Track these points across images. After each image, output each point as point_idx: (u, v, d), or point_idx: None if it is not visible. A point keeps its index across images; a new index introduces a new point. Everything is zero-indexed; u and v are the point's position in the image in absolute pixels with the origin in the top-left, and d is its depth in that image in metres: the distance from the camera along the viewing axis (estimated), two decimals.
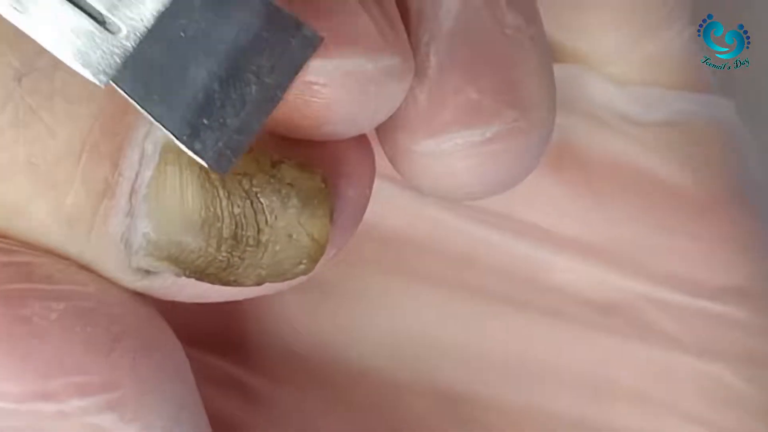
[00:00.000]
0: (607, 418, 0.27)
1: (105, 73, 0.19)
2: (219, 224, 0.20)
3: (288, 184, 0.20)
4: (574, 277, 0.27)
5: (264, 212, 0.20)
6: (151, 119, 0.19)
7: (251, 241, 0.20)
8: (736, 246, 0.28)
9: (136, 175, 0.20)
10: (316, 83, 0.20)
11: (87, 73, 0.19)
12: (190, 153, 0.19)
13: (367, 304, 0.28)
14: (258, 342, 0.28)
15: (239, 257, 0.21)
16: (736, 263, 0.28)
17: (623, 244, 0.27)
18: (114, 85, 0.19)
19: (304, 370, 0.28)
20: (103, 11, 0.19)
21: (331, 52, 0.20)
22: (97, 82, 0.19)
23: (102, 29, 0.19)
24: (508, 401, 0.27)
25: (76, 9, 0.19)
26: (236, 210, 0.20)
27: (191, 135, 0.19)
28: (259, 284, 0.21)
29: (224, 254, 0.21)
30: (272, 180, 0.20)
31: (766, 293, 0.28)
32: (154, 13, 0.19)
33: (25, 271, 0.20)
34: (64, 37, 0.19)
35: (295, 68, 0.19)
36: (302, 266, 0.21)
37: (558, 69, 0.25)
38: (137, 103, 0.19)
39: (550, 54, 0.23)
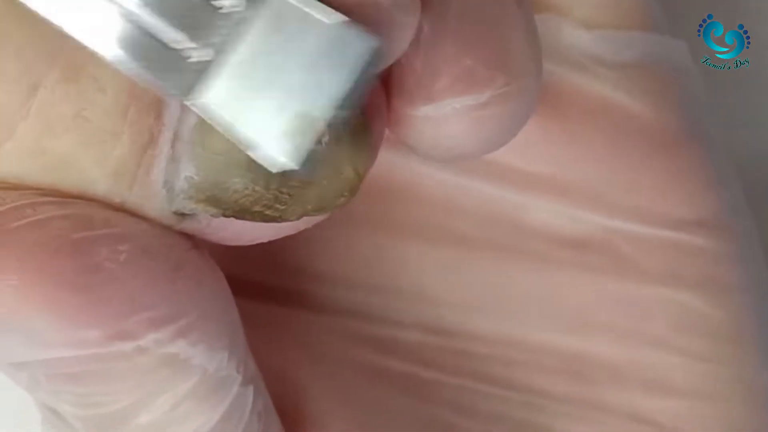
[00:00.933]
0: (584, 348, 0.29)
1: (184, 94, 0.20)
2: None
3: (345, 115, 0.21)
4: (548, 216, 0.29)
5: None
6: (239, 136, 0.20)
7: (304, 176, 0.21)
8: (697, 180, 0.29)
9: (179, 122, 0.21)
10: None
11: (168, 96, 0.20)
12: (273, 161, 0.20)
13: (357, 257, 0.29)
14: (302, 293, 0.29)
15: (288, 194, 0.22)
16: (700, 196, 0.29)
17: (595, 182, 0.29)
18: (193, 106, 0.20)
19: (333, 316, 0.29)
20: (181, 40, 0.20)
21: None
22: (186, 104, 0.20)
23: (186, 56, 0.20)
24: (492, 332, 0.29)
25: (154, 37, 0.20)
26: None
27: (274, 146, 0.20)
28: (300, 218, 0.22)
29: (272, 192, 0.22)
30: None
31: (728, 223, 0.29)
32: (235, 38, 0.20)
33: (85, 219, 0.21)
34: (142, 61, 0.20)
35: (364, 77, 0.20)
36: (343, 198, 0.22)
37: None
38: (224, 122, 0.20)
39: (533, 15, 0.25)
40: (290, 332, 0.29)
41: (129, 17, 0.20)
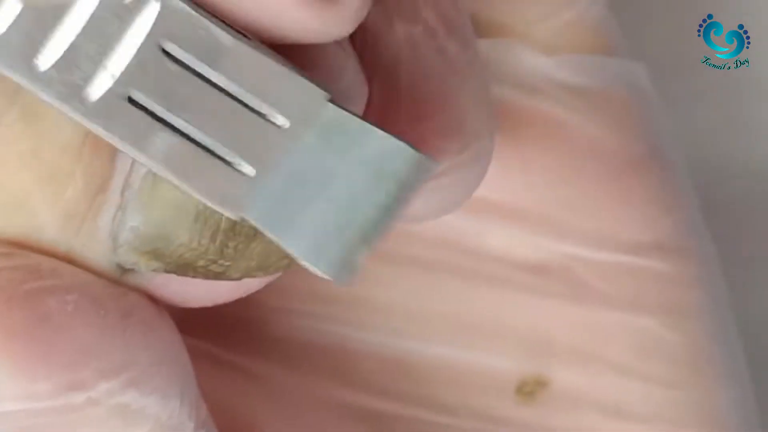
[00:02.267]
0: (542, 373, 0.29)
1: (236, 207, 0.20)
2: (218, 215, 0.21)
3: None
4: (505, 242, 0.29)
5: None
6: (283, 247, 0.20)
7: (249, 231, 0.21)
8: (654, 203, 0.29)
9: (131, 169, 0.21)
10: None
11: (220, 208, 0.20)
12: (316, 272, 0.20)
13: (312, 285, 0.29)
14: (245, 324, 0.29)
15: (234, 248, 0.21)
16: (657, 219, 0.29)
17: (552, 207, 0.29)
18: (245, 217, 0.20)
19: (291, 349, 0.29)
20: (233, 155, 0.20)
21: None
22: (233, 217, 0.20)
23: (232, 170, 0.20)
24: (450, 358, 0.29)
25: (207, 152, 0.20)
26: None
27: (318, 258, 0.20)
28: (243, 278, 0.22)
29: (218, 245, 0.21)
30: None
31: (685, 246, 0.29)
32: (282, 154, 0.20)
33: (34, 270, 0.21)
34: (195, 175, 0.20)
35: (410, 191, 0.21)
36: (285, 261, 0.22)
37: (489, 43, 0.27)
38: (268, 234, 0.20)
39: (485, 75, 0.25)
40: (243, 368, 0.29)
41: (180, 132, 0.20)
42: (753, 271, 0.36)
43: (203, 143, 0.20)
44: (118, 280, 0.22)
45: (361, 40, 0.23)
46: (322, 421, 0.28)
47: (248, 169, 0.20)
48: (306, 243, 0.20)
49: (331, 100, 0.20)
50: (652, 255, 0.29)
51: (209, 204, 0.20)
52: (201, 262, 0.22)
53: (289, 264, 0.22)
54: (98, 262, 0.22)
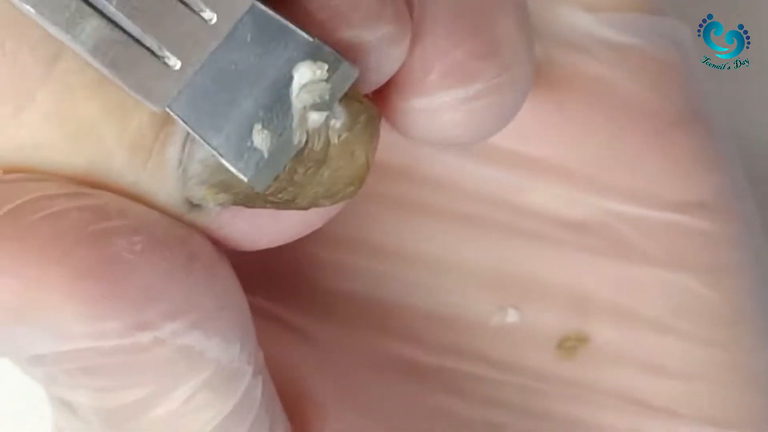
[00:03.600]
0: (580, 328, 0.29)
1: (161, 101, 0.21)
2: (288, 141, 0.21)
3: (358, 100, 0.22)
4: (545, 198, 0.29)
5: (335, 126, 0.22)
6: (201, 142, 0.21)
7: (319, 156, 0.22)
8: (698, 162, 0.29)
9: None
10: None
11: (145, 101, 0.21)
12: (233, 170, 0.21)
13: (369, 235, 0.29)
14: (293, 279, 0.29)
15: (303, 173, 0.22)
16: (698, 178, 0.29)
17: (592, 163, 0.29)
18: (169, 111, 0.21)
19: (339, 304, 0.29)
20: (161, 47, 0.20)
21: (334, 25, 0.22)
22: (155, 109, 0.21)
23: (160, 62, 0.21)
24: (488, 312, 0.29)
25: (135, 42, 0.20)
26: (311, 124, 0.21)
27: (236, 156, 0.21)
28: (310, 206, 0.22)
29: (287, 173, 0.22)
30: (345, 96, 0.22)
31: (726, 205, 0.29)
32: (209, 49, 0.21)
33: (101, 210, 0.21)
34: (123, 65, 0.20)
35: (333, 98, 0.21)
36: (350, 188, 0.22)
37: (531, 0, 0.27)
38: (190, 128, 0.21)
39: (526, 4, 0.25)
40: (289, 322, 0.29)
41: (110, 20, 0.20)
42: None
43: (132, 33, 0.20)
44: (184, 218, 0.22)
45: None
46: (366, 373, 0.28)
47: (175, 62, 0.21)
48: (227, 142, 0.21)
49: (258, 0, 0.21)
50: (694, 213, 0.29)
51: (135, 96, 0.21)
52: (270, 190, 0.22)
53: (354, 191, 0.22)
54: (166, 196, 0.22)
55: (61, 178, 0.22)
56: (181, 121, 0.21)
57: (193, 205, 0.22)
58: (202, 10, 0.21)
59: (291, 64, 0.21)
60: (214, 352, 0.22)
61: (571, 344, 0.29)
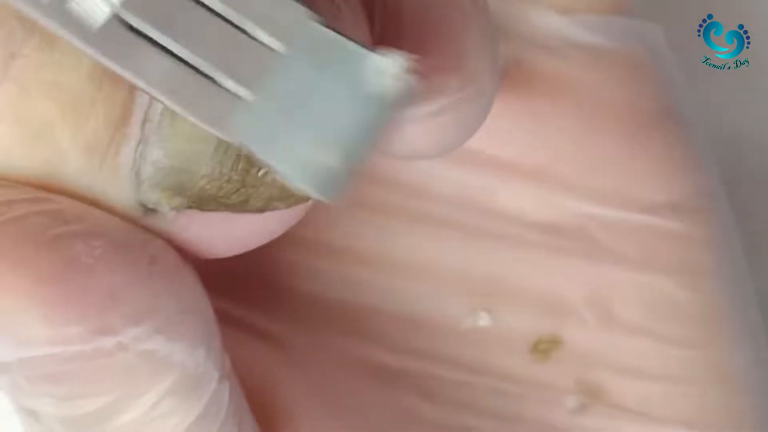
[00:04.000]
0: (554, 331, 0.29)
1: (229, 128, 0.21)
2: None
3: None
4: (519, 200, 0.29)
5: None
6: (272, 166, 0.21)
7: None
8: (671, 163, 0.29)
9: (150, 103, 0.21)
10: None
11: (219, 132, 0.21)
12: (302, 188, 0.21)
13: (337, 239, 0.29)
14: (261, 283, 0.29)
15: (255, 174, 0.22)
16: (671, 179, 0.29)
17: (565, 165, 0.29)
18: (237, 137, 0.21)
19: (308, 308, 0.29)
20: (226, 77, 0.21)
21: None
22: (229, 140, 0.21)
23: (223, 91, 0.21)
24: (460, 315, 0.29)
25: (200, 74, 0.21)
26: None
27: (304, 175, 0.21)
28: (265, 210, 0.22)
29: (239, 172, 0.22)
30: None
31: (700, 206, 0.29)
32: (271, 73, 0.21)
33: (59, 215, 0.21)
34: (189, 97, 0.21)
35: (393, 108, 0.21)
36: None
37: (503, 2, 0.27)
38: (261, 155, 0.21)
39: (488, 14, 0.25)
40: (258, 327, 0.29)
41: (177, 57, 0.21)
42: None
43: (196, 65, 0.21)
44: (140, 222, 0.22)
45: None
46: (337, 377, 0.28)
47: (239, 90, 0.21)
48: (293, 161, 0.21)
49: (316, 19, 0.21)
50: (667, 215, 0.29)
51: (204, 126, 0.21)
52: (223, 192, 0.22)
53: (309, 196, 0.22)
54: (121, 200, 0.22)
55: (18, 182, 0.21)
56: (250, 148, 0.21)
57: (148, 209, 0.22)
58: (260, 36, 0.21)
59: (351, 79, 0.21)
60: (178, 357, 0.22)
61: (544, 347, 0.29)
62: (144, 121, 0.22)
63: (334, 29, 0.21)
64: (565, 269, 0.29)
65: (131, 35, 0.20)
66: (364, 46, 0.21)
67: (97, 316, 0.21)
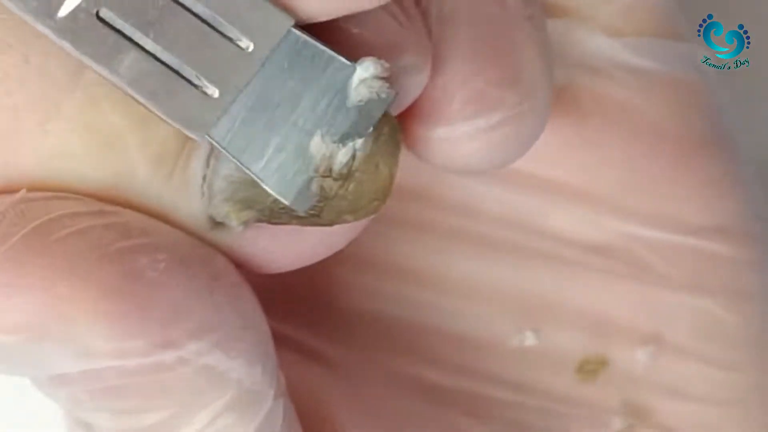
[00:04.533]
0: (602, 352, 0.29)
1: (201, 129, 0.21)
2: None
3: (383, 114, 0.22)
4: (568, 221, 0.29)
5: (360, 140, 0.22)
6: (242, 167, 0.21)
7: (344, 170, 0.22)
8: (718, 186, 0.29)
9: None
10: None
11: (186, 131, 0.21)
12: (276, 195, 0.21)
13: (386, 257, 0.29)
14: (314, 303, 0.29)
15: (328, 187, 0.22)
16: (719, 203, 0.29)
17: (615, 188, 0.29)
18: (209, 139, 0.21)
19: (358, 326, 0.29)
20: (199, 76, 0.21)
21: (355, 55, 0.21)
22: (195, 137, 0.21)
23: (198, 92, 0.21)
24: (509, 334, 0.29)
25: (174, 73, 0.21)
26: (333, 138, 0.21)
27: (278, 182, 0.21)
28: (335, 222, 0.22)
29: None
30: None
31: (746, 230, 0.29)
32: (247, 77, 0.21)
33: (124, 229, 0.21)
34: (162, 96, 0.21)
35: (372, 121, 0.21)
36: (375, 203, 0.22)
37: (553, 24, 0.27)
38: (230, 155, 0.21)
39: (546, 31, 0.25)
40: (308, 345, 0.29)
41: (148, 52, 0.21)
42: None
43: (170, 64, 0.21)
44: (206, 237, 0.22)
45: None
46: (386, 396, 0.28)
47: (213, 91, 0.21)
48: (267, 167, 0.21)
49: (295, 26, 0.21)
50: (714, 237, 0.29)
51: (175, 126, 0.21)
52: None
53: (378, 206, 0.22)
54: (189, 213, 0.22)
55: (85, 193, 0.22)
56: (221, 149, 0.21)
57: (216, 223, 0.22)
58: (238, 39, 0.21)
59: (330, 89, 0.21)
60: (236, 373, 0.22)
61: (591, 367, 0.29)
62: None
63: (312, 36, 0.21)
64: (612, 290, 0.29)
65: (105, 29, 0.20)
66: (340, 54, 0.21)
67: (159, 330, 0.21)
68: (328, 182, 0.22)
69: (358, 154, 0.22)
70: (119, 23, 0.20)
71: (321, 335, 0.29)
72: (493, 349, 0.29)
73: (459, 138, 0.24)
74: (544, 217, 0.29)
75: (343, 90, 0.21)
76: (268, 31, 0.21)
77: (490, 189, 0.29)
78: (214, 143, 0.21)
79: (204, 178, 0.22)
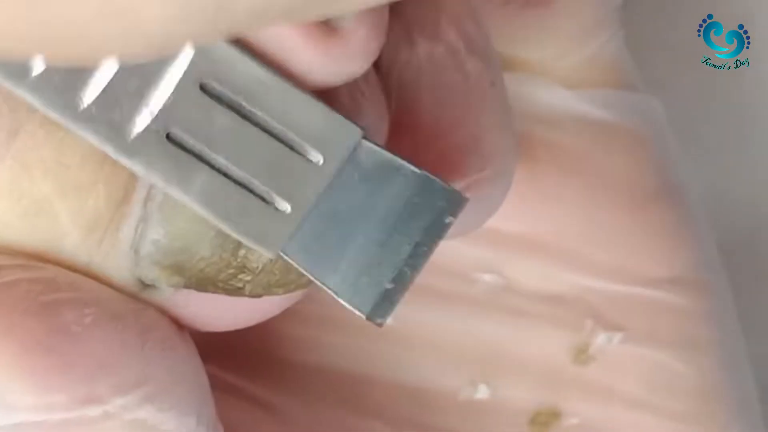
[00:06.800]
0: (555, 404, 0.29)
1: (275, 245, 0.21)
2: None
3: None
4: (522, 273, 0.29)
5: None
6: (319, 284, 0.21)
7: None
8: (673, 236, 0.29)
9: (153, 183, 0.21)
10: None
11: (260, 248, 0.21)
12: (351, 309, 0.21)
13: (333, 309, 0.29)
14: (260, 353, 0.29)
15: (255, 261, 0.21)
16: (673, 253, 0.29)
17: (569, 239, 0.29)
18: (284, 256, 0.21)
19: (306, 378, 0.29)
20: (270, 192, 0.20)
21: None
22: (270, 255, 0.21)
23: (270, 207, 0.20)
24: (467, 389, 0.29)
25: (245, 190, 0.20)
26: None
27: (353, 294, 0.21)
28: (263, 295, 0.22)
29: (240, 259, 0.21)
30: None
31: (700, 280, 0.29)
32: (318, 191, 0.21)
33: (52, 282, 0.21)
34: (235, 214, 0.20)
35: (443, 226, 0.21)
36: (305, 278, 0.22)
37: (510, 77, 0.27)
38: (306, 271, 0.21)
39: (506, 96, 0.25)
40: (255, 396, 0.29)
41: (219, 171, 0.20)
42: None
43: (240, 180, 0.20)
44: (137, 296, 0.22)
45: (382, 56, 0.23)
46: None
47: (284, 206, 0.20)
48: (342, 280, 0.21)
49: (365, 137, 0.21)
50: (668, 288, 0.29)
51: (247, 243, 0.21)
52: (222, 276, 0.22)
53: (309, 282, 0.22)
54: (119, 275, 0.22)
55: (12, 252, 0.21)
56: (297, 266, 0.21)
57: (146, 285, 0.22)
58: (308, 153, 0.21)
59: (401, 197, 0.21)
60: (168, 426, 0.22)
61: (543, 419, 0.29)
62: (146, 200, 0.21)
63: (381, 146, 0.21)
64: (566, 341, 0.29)
65: (172, 146, 0.20)
66: (411, 163, 0.21)
67: (83, 385, 0.21)
68: (255, 256, 0.21)
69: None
70: (189, 141, 0.20)
71: (269, 385, 0.29)
72: (444, 401, 0.29)
73: None
74: (497, 268, 0.29)
75: (417, 200, 0.21)
76: (337, 143, 0.20)
77: (442, 241, 0.29)
78: (288, 260, 0.21)
79: (133, 242, 0.21)
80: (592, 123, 0.29)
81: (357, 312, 0.21)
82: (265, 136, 0.20)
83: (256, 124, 0.20)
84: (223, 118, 0.20)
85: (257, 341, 0.29)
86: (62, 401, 0.21)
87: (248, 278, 0.22)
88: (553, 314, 0.29)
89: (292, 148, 0.20)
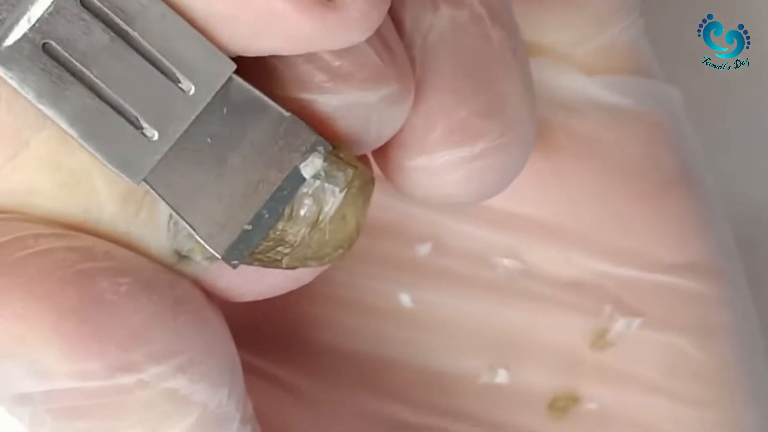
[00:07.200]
0: (572, 389, 0.29)
1: (138, 174, 0.20)
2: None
3: (353, 165, 0.22)
4: (540, 258, 0.29)
5: (330, 189, 0.21)
6: (177, 216, 0.21)
7: (310, 219, 0.21)
8: (689, 223, 0.29)
9: None
10: (324, 115, 0.22)
11: (122, 174, 0.20)
12: (206, 246, 0.21)
13: (357, 292, 0.29)
14: (283, 336, 0.29)
15: (294, 235, 0.21)
16: (689, 239, 0.29)
17: (586, 225, 0.29)
18: (146, 184, 0.21)
19: (328, 360, 0.29)
20: (140, 118, 0.20)
21: (335, 87, 0.21)
22: (132, 182, 0.21)
23: (138, 133, 0.20)
24: (485, 373, 0.29)
25: (116, 113, 0.20)
26: (304, 187, 0.21)
27: (210, 233, 0.21)
28: (297, 267, 0.22)
29: (278, 232, 0.21)
30: (339, 159, 0.21)
31: (715, 266, 0.29)
32: (187, 121, 0.20)
33: (87, 251, 0.21)
34: (102, 137, 0.20)
35: (301, 180, 0.21)
36: (339, 251, 0.22)
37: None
38: (166, 202, 0.21)
39: (528, 65, 0.25)
40: (277, 377, 0.29)
41: (91, 89, 0.20)
42: None
43: (111, 102, 0.20)
44: (172, 267, 0.22)
45: (406, 21, 0.23)
46: (354, 430, 0.28)
47: (152, 133, 0.20)
48: (202, 217, 0.21)
49: (237, 72, 0.20)
50: (684, 274, 0.29)
51: (111, 169, 0.20)
52: (259, 249, 0.22)
53: (343, 254, 0.22)
54: (155, 246, 0.22)
55: (51, 223, 0.22)
56: (157, 195, 0.21)
57: (182, 256, 0.22)
58: (180, 81, 0.20)
59: (267, 138, 0.21)
60: (200, 396, 0.22)
61: (562, 404, 0.29)
62: None
63: (255, 86, 0.21)
64: (582, 326, 0.29)
65: (47, 58, 0.20)
66: (279, 105, 0.21)
67: (118, 354, 0.21)
68: (294, 230, 0.21)
69: (326, 209, 0.21)
70: (65, 57, 0.20)
71: (291, 368, 0.29)
72: (463, 386, 0.29)
73: (440, 168, 0.23)
74: (515, 252, 0.29)
75: (282, 143, 0.21)
76: (210, 74, 0.20)
77: (461, 226, 0.29)
78: (149, 188, 0.21)
79: (171, 214, 0.22)
80: (611, 109, 0.29)
81: (212, 251, 0.21)
82: (139, 58, 0.20)
83: (132, 46, 0.20)
84: (101, 35, 0.20)
85: (280, 324, 0.29)
86: (97, 369, 0.21)
87: (286, 251, 0.22)
88: (572, 300, 0.29)
89: (165, 74, 0.20)
